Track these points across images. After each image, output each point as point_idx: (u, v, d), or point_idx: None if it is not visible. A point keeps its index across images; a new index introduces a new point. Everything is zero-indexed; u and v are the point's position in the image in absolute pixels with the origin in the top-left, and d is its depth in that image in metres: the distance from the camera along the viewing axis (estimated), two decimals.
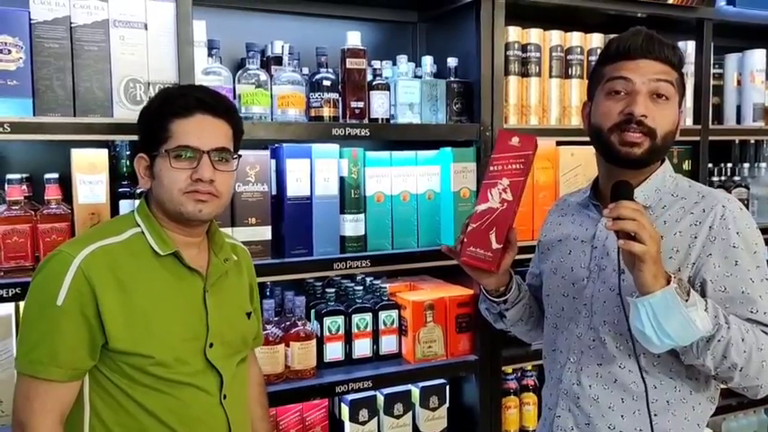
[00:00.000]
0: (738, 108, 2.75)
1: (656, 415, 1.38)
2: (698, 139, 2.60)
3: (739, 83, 2.75)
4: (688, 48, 2.61)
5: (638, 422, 1.41)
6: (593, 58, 2.41)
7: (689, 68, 2.60)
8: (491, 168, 1.45)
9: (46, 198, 1.79)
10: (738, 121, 2.75)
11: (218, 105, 1.42)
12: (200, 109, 1.39)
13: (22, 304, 1.72)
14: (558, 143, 2.37)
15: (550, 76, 2.36)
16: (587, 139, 2.35)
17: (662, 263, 1.24)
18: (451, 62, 2.22)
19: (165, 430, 1.35)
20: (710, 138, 2.62)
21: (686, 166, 2.61)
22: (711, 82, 2.63)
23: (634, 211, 1.22)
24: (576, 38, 2.40)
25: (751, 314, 1.31)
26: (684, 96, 1.47)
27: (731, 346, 1.25)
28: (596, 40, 2.43)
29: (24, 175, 1.83)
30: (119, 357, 1.32)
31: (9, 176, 1.76)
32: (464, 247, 1.48)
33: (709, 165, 2.68)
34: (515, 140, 1.43)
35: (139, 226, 1.41)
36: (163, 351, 1.33)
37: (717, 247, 1.33)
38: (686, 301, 1.22)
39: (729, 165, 2.84)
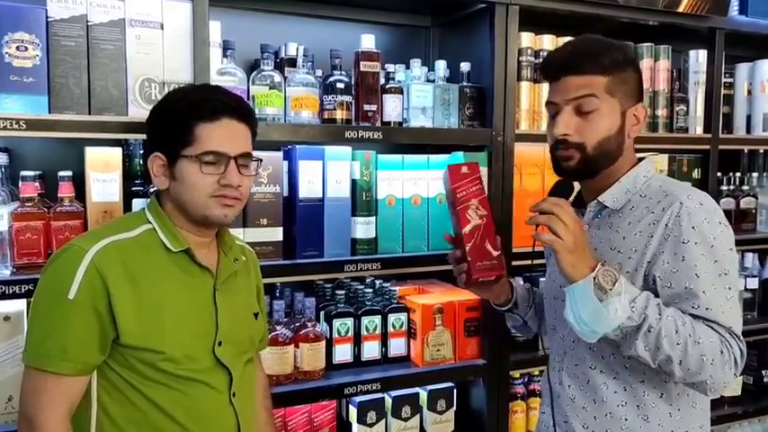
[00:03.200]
0: (749, 118, 2.77)
1: (626, 419, 1.42)
2: (708, 147, 2.60)
3: (750, 92, 2.76)
4: (699, 57, 2.61)
5: (610, 424, 1.43)
6: None
7: (700, 77, 2.61)
8: (458, 195, 1.58)
9: (59, 195, 1.79)
10: (748, 131, 2.76)
11: (242, 109, 1.43)
12: (227, 113, 1.39)
13: None
14: None
15: None
16: None
17: (584, 253, 1.30)
18: (464, 67, 2.22)
19: (174, 426, 1.35)
20: (720, 147, 2.63)
21: (696, 174, 2.62)
22: (722, 91, 2.64)
23: (552, 204, 1.31)
24: None
25: (693, 309, 1.31)
26: (635, 89, 1.43)
27: (663, 337, 1.26)
28: None
29: (38, 173, 1.84)
30: (129, 352, 1.32)
31: (23, 173, 1.76)
32: (472, 265, 1.55)
33: (719, 174, 2.68)
34: (464, 169, 1.60)
35: (150, 223, 1.42)
36: (173, 347, 1.33)
37: (669, 244, 1.34)
38: (610, 290, 1.25)
39: (738, 174, 2.85)
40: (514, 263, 2.13)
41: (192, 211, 1.39)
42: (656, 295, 1.35)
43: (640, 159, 1.51)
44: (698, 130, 2.61)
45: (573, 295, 1.31)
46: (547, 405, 1.58)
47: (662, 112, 2.54)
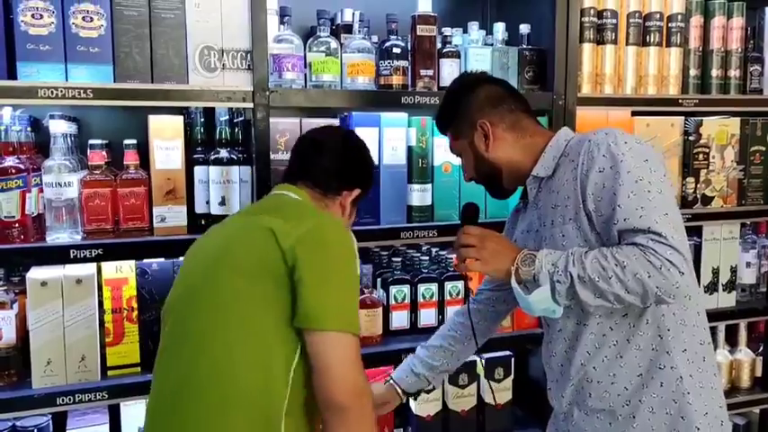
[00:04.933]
0: None
1: (621, 356, 1.44)
2: None
3: None
4: None
5: (609, 367, 1.46)
6: (674, 24, 2.31)
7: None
8: None
9: (125, 163, 1.85)
10: None
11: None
12: None
13: (104, 265, 1.81)
14: (634, 113, 2.29)
15: (627, 44, 2.27)
16: (664, 108, 2.29)
17: (502, 254, 1.43)
18: (524, 29, 2.17)
19: None
20: None
21: None
22: None
23: (458, 238, 1.49)
24: (655, 3, 2.30)
25: (615, 226, 1.34)
26: (472, 113, 1.55)
27: (597, 280, 1.31)
28: (677, 5, 2.32)
29: (105, 141, 1.90)
30: None
31: (91, 142, 1.83)
32: None
33: None
34: None
35: None
36: None
37: (590, 178, 1.38)
38: (533, 268, 1.37)
39: None
40: None
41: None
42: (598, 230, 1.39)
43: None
44: None
45: (515, 293, 1.41)
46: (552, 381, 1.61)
47: (734, 72, 2.42)
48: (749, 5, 2.43)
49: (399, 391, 1.81)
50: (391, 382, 1.81)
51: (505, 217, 2.14)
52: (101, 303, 1.83)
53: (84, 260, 1.74)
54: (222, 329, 1.29)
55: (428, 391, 1.86)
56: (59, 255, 1.73)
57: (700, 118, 2.39)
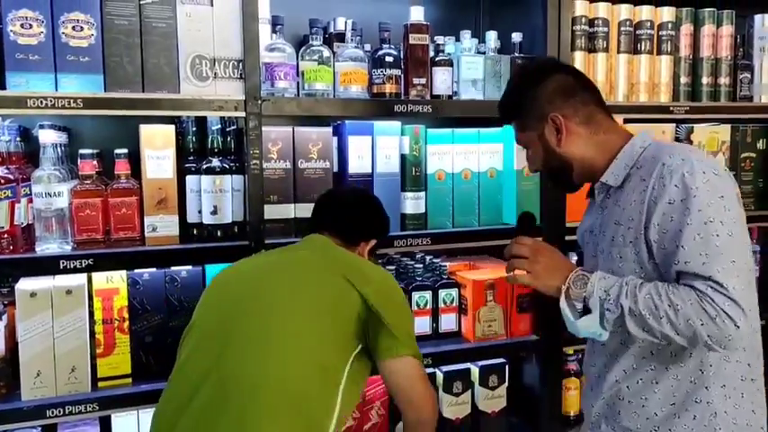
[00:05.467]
0: None
1: (656, 382, 1.41)
2: None
3: None
4: (765, 21, 2.49)
5: (642, 390, 1.43)
6: (664, 32, 2.33)
7: (766, 43, 2.48)
8: None
9: (116, 173, 1.83)
10: None
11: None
12: None
13: (95, 275, 1.79)
14: (626, 120, 2.29)
15: (618, 52, 2.29)
16: (656, 116, 2.30)
17: (555, 271, 1.41)
18: (516, 37, 2.17)
19: None
20: None
21: (761, 145, 2.50)
22: None
23: (510, 248, 1.48)
24: (645, 12, 2.31)
25: (676, 266, 1.30)
26: (544, 104, 1.48)
27: (647, 317, 1.28)
28: (667, 14, 2.33)
29: (95, 151, 1.88)
30: None
31: (81, 151, 1.81)
32: None
33: None
34: None
35: None
36: None
37: (658, 207, 1.33)
38: (584, 292, 1.35)
39: None
40: (567, 238, 2.11)
41: None
42: (657, 260, 1.35)
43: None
44: (763, 98, 2.49)
45: (562, 312, 1.39)
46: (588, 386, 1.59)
47: (724, 80, 2.43)
48: (738, 14, 2.44)
49: None
50: None
51: (498, 223, 2.17)
52: (91, 314, 1.81)
53: (75, 270, 1.73)
54: (293, 349, 1.41)
55: None
56: (49, 265, 1.72)
57: (691, 125, 2.40)
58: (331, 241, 1.62)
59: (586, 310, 1.37)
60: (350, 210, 1.71)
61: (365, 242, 1.69)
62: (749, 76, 2.48)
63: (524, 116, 1.52)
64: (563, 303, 1.38)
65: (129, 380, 1.85)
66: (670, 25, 2.33)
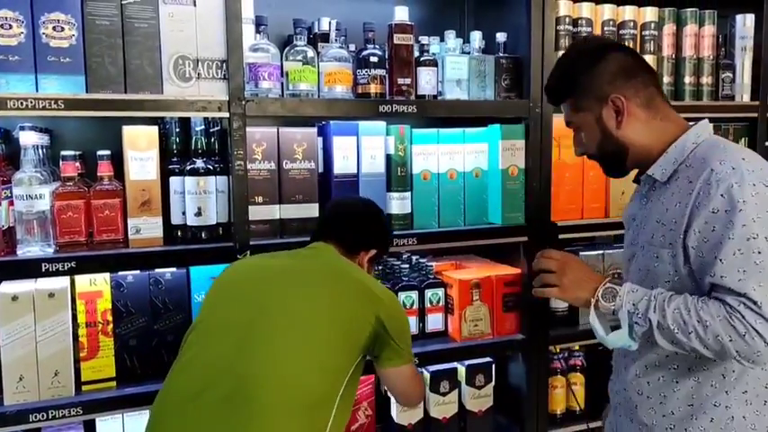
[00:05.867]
0: None
1: (677, 381, 1.41)
2: (756, 115, 2.50)
3: None
4: (747, 21, 2.51)
5: (662, 387, 1.44)
6: (647, 32, 2.34)
7: (747, 43, 2.51)
8: None
9: (98, 174, 1.82)
10: None
11: None
12: None
13: (78, 278, 1.78)
14: None
15: None
16: None
17: (582, 283, 1.43)
18: (500, 37, 2.17)
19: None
20: None
21: (743, 143, 2.52)
22: None
23: (537, 262, 1.50)
24: (628, 12, 2.32)
25: (711, 278, 1.29)
26: (604, 83, 1.44)
27: (675, 332, 1.28)
28: (650, 14, 2.34)
29: (78, 153, 1.86)
30: None
31: (63, 153, 1.79)
32: None
33: (767, 143, 2.58)
34: None
35: None
36: None
37: (700, 213, 1.30)
38: (613, 306, 1.37)
39: None
40: (561, 236, 2.13)
41: None
42: (693, 267, 1.33)
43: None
44: (745, 97, 2.52)
45: (591, 324, 1.42)
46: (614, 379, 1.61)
47: (707, 79, 2.45)
48: (720, 14, 2.46)
49: None
50: None
51: (484, 223, 2.17)
52: (74, 317, 1.80)
53: (57, 273, 1.71)
54: (308, 354, 1.47)
55: None
56: (31, 268, 1.69)
57: None
58: (336, 252, 1.67)
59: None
60: (354, 218, 1.77)
61: (365, 252, 1.73)
62: (731, 75, 2.50)
63: (581, 96, 1.47)
64: (592, 316, 1.39)
65: (114, 383, 1.83)
66: (653, 25, 2.35)
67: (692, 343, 1.27)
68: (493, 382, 2.27)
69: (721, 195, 1.28)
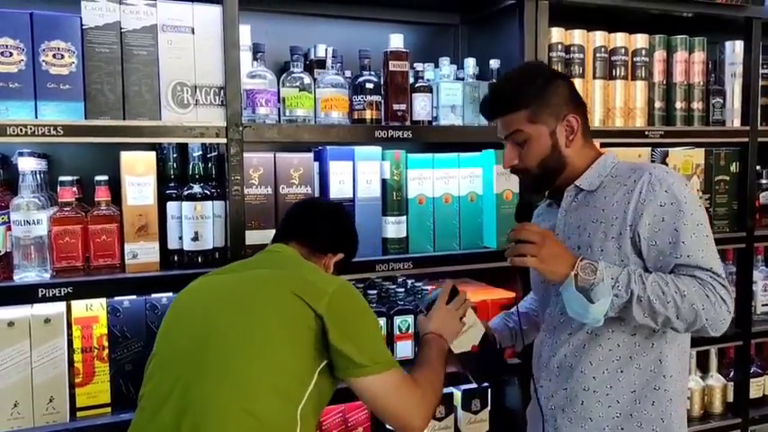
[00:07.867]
0: None
1: (621, 371, 1.52)
2: (746, 140, 2.54)
3: None
4: (736, 48, 2.56)
5: (608, 379, 1.53)
6: (638, 59, 2.38)
7: (737, 69, 2.55)
8: None
9: (96, 199, 1.82)
10: None
11: None
12: None
13: (74, 303, 1.78)
14: (602, 145, 2.33)
15: (594, 78, 2.34)
16: (632, 140, 2.35)
17: (560, 258, 1.44)
18: (494, 64, 2.21)
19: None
20: (759, 139, 2.56)
21: (734, 168, 2.55)
22: (760, 82, 2.57)
23: (516, 232, 1.49)
24: (620, 38, 2.37)
25: (677, 259, 1.43)
26: (562, 102, 1.54)
27: (654, 302, 1.38)
28: (641, 41, 2.39)
29: (75, 178, 1.88)
30: None
31: (61, 178, 1.80)
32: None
33: (758, 167, 2.62)
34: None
35: None
36: None
37: (648, 207, 1.46)
38: (593, 279, 1.40)
39: None
40: None
41: None
42: (640, 252, 1.47)
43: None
44: (735, 122, 2.56)
45: (565, 296, 1.45)
46: (545, 379, 1.64)
47: (697, 105, 2.49)
48: (710, 40, 2.51)
49: (497, 336, 1.84)
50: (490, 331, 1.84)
51: (479, 247, 2.19)
52: (70, 343, 1.79)
53: (54, 299, 1.71)
54: (257, 371, 1.35)
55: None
56: (27, 294, 1.69)
57: (666, 149, 2.45)
58: (293, 252, 1.57)
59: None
60: (323, 218, 1.68)
61: (332, 254, 1.64)
62: (721, 100, 2.54)
63: (540, 108, 1.53)
64: (572, 289, 1.42)
65: (109, 409, 1.82)
66: (644, 51, 2.39)
67: (667, 312, 1.38)
68: (489, 407, 2.26)
69: (665, 191, 1.46)
